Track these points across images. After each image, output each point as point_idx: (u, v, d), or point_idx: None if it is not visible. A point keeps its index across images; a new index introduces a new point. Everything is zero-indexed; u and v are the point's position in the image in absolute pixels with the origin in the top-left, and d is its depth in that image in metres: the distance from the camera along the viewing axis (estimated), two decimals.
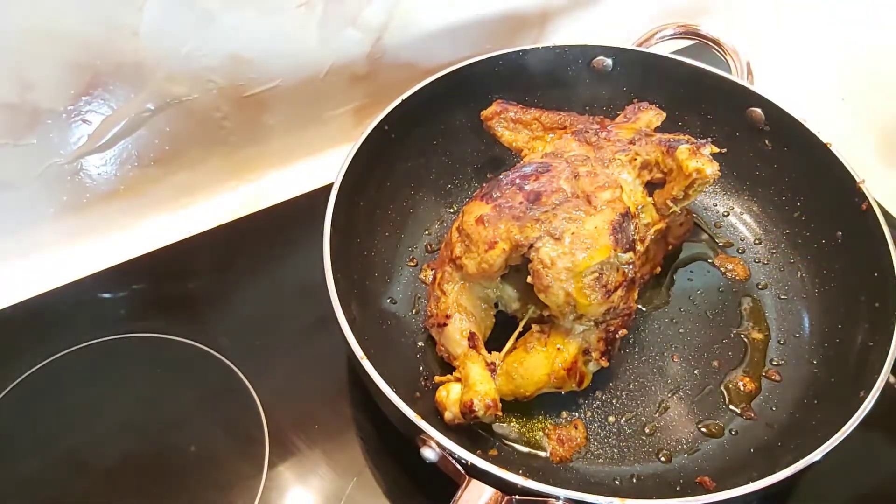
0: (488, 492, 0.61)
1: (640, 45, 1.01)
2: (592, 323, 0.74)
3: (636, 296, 0.77)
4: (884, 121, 1.14)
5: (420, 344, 0.85)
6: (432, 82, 0.91)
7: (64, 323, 0.89)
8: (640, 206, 0.79)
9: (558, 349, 0.75)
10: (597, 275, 0.70)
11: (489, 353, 0.77)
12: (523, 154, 0.90)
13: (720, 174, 0.78)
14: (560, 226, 0.71)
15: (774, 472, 0.62)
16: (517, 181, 0.76)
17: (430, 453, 0.62)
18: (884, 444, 0.80)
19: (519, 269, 0.75)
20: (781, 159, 0.93)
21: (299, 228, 0.97)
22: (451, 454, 0.61)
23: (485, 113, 0.92)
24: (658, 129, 0.88)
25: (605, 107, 1.01)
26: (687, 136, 0.82)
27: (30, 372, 0.84)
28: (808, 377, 0.81)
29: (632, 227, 0.75)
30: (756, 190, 0.97)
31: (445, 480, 0.65)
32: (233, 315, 0.91)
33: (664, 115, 0.89)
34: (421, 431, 0.63)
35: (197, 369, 0.85)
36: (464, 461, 0.61)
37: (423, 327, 0.85)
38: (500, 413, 0.71)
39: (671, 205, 0.81)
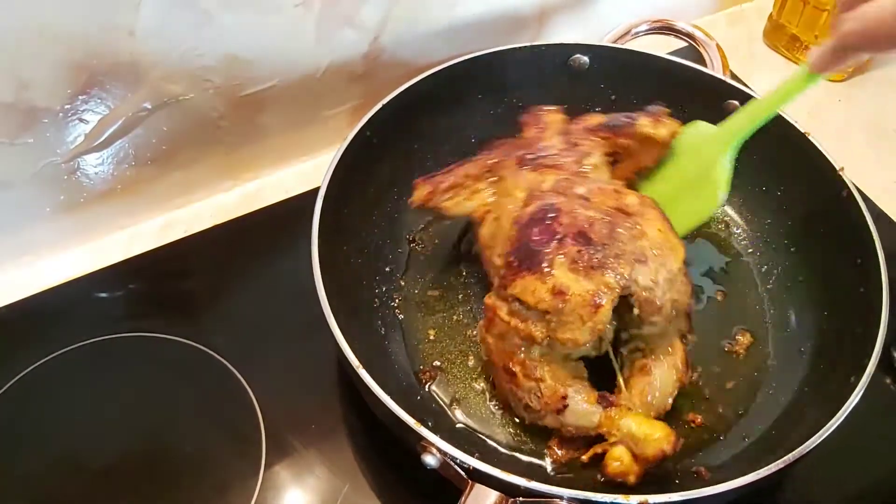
0: (492, 495, 0.61)
1: (615, 41, 1.00)
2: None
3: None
4: (882, 119, 1.15)
5: (416, 345, 0.85)
6: (410, 87, 0.90)
7: (60, 322, 0.88)
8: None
9: (669, 352, 0.74)
10: (684, 271, 0.71)
11: (614, 396, 0.73)
12: (480, 216, 0.83)
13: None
14: (635, 248, 0.69)
15: (770, 462, 0.62)
16: (551, 240, 0.70)
17: (431, 459, 0.62)
18: (881, 441, 0.81)
19: None
20: (760, 150, 0.91)
21: (296, 228, 0.95)
22: (453, 459, 0.61)
23: (417, 201, 0.84)
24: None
25: (585, 104, 1.00)
26: (625, 114, 0.84)
27: (25, 372, 0.84)
28: (798, 366, 0.81)
29: None
30: (735, 181, 0.96)
31: (443, 480, 0.65)
32: (230, 315, 0.91)
33: (560, 109, 0.89)
34: (421, 438, 0.62)
35: (193, 369, 0.85)
36: (466, 465, 0.61)
37: (422, 334, 0.86)
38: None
39: (636, 176, 0.84)
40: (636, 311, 0.70)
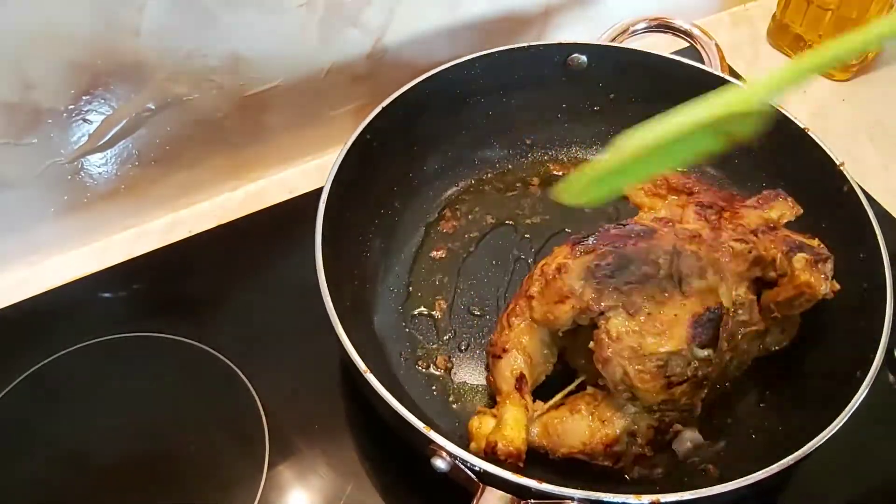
0: (504, 498, 0.60)
1: (613, 39, 1.00)
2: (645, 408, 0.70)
3: (703, 395, 0.71)
4: (887, 119, 1.15)
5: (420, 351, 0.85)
6: (412, 88, 0.90)
7: (64, 322, 0.89)
8: (739, 302, 0.72)
9: (603, 422, 0.69)
10: (661, 363, 0.66)
11: (534, 401, 0.72)
12: (643, 208, 0.84)
13: (832, 294, 0.75)
14: (639, 302, 0.67)
15: (780, 459, 0.62)
16: (615, 240, 0.71)
17: (441, 463, 0.61)
18: (887, 439, 0.81)
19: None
20: (760, 146, 0.92)
21: (300, 228, 0.95)
22: (464, 462, 0.61)
23: None
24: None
25: (583, 103, 1.01)
26: (817, 242, 0.78)
27: (29, 372, 0.84)
28: (803, 363, 0.81)
29: (720, 324, 0.68)
30: (736, 178, 0.97)
31: (447, 479, 0.64)
32: (233, 315, 0.91)
33: (800, 210, 0.83)
34: (431, 442, 0.62)
35: (197, 369, 0.85)
36: (476, 469, 0.60)
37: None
38: (521, 464, 0.66)
39: (774, 309, 0.76)
40: (592, 345, 0.69)
